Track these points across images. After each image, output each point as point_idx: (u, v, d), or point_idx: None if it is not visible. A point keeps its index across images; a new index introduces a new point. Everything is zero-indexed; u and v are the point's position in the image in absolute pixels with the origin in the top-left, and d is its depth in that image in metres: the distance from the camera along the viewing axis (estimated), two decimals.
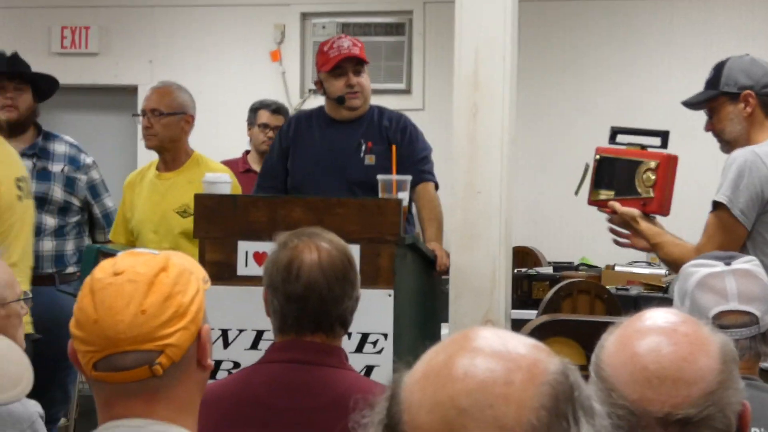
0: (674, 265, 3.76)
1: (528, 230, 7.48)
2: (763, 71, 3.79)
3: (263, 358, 2.70)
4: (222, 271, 3.94)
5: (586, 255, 7.27)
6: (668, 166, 3.85)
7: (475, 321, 4.15)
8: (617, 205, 3.84)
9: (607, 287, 5.12)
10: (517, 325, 4.53)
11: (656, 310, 1.77)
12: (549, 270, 6.73)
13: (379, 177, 4.25)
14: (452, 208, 4.32)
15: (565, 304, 4.58)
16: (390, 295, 3.88)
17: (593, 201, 3.96)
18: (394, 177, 4.22)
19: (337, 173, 4.64)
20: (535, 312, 4.80)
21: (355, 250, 3.12)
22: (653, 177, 3.83)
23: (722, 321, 2.43)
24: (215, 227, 4.03)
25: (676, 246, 3.74)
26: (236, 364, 3.87)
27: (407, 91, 8.07)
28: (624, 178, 3.90)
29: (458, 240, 4.28)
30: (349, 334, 3.68)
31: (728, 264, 2.51)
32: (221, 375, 3.79)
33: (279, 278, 2.68)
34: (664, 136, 3.93)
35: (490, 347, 1.21)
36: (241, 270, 3.96)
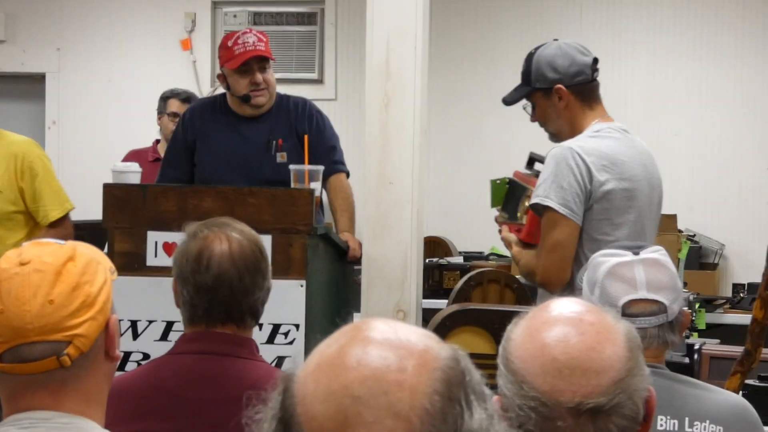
0: (524, 273, 3.76)
1: (439, 220, 7.51)
2: (570, 60, 3.73)
3: (173, 349, 2.68)
4: (131, 262, 3.91)
5: (496, 245, 7.32)
6: None
7: (387, 310, 4.16)
8: (503, 230, 3.86)
9: (517, 277, 5.15)
10: (428, 315, 4.55)
11: (561, 299, 1.78)
12: (460, 260, 6.76)
13: (292, 167, 4.24)
14: (364, 198, 4.32)
15: (475, 294, 4.59)
16: (302, 286, 3.89)
17: (498, 221, 3.95)
18: (307, 167, 4.21)
19: (248, 172, 4.56)
20: (445, 301, 4.82)
21: (266, 241, 3.11)
22: (528, 204, 3.79)
23: (631, 309, 2.43)
24: (124, 217, 3.99)
25: (524, 255, 3.72)
26: (146, 356, 3.84)
27: (319, 81, 8.05)
28: (514, 204, 3.90)
29: (370, 230, 4.28)
30: (260, 325, 3.66)
31: (637, 254, 2.51)
32: (130, 366, 3.76)
33: (189, 269, 2.65)
34: None
35: (382, 336, 1.22)
36: (151, 260, 3.93)
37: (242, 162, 4.60)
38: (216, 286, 2.62)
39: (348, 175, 4.70)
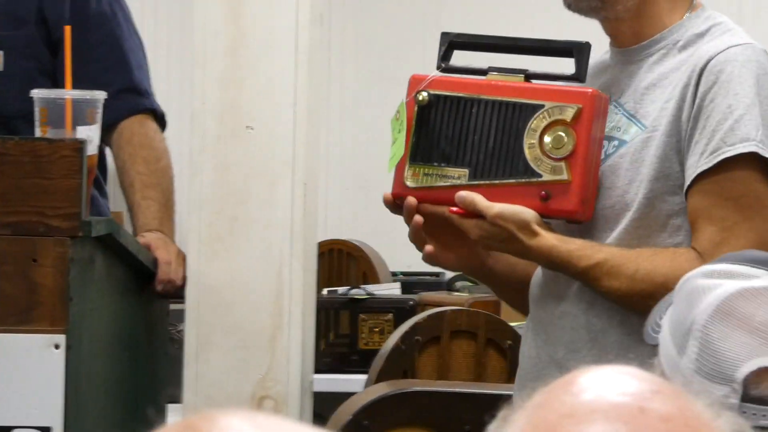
0: (653, 295, 3.69)
1: (353, 204, 7.56)
2: None
3: None
4: None
5: None
6: (596, 114, 3.82)
7: (237, 396, 4.24)
8: (479, 200, 3.77)
9: (512, 324, 5.19)
10: (327, 404, 4.69)
11: (600, 368, 1.78)
12: (395, 288, 6.79)
13: (36, 93, 4.26)
14: (194, 160, 4.44)
15: (422, 360, 4.63)
16: (58, 347, 3.98)
17: (408, 189, 3.84)
18: (69, 93, 4.28)
19: None
20: (363, 377, 4.84)
21: None
22: (566, 138, 3.81)
23: (763, 388, 2.52)
24: None
25: (650, 259, 3.82)
26: None
27: None
28: (495, 141, 3.87)
29: (204, 227, 4.36)
30: None
31: None
32: None
33: None
34: (580, 51, 3.89)
35: None
36: None
37: None
38: None
39: (161, 118, 4.86)
